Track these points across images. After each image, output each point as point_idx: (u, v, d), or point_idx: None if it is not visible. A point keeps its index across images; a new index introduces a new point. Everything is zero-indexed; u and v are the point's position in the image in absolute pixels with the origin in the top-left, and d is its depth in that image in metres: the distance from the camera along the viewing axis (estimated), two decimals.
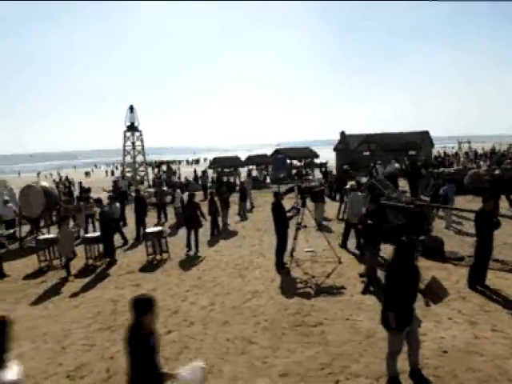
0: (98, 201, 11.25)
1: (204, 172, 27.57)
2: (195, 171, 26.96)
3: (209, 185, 25.02)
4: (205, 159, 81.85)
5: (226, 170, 30.49)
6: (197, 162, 75.63)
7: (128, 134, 25.83)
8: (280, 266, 8.97)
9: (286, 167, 30.20)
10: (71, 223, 11.09)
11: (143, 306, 3.21)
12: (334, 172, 26.54)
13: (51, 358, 5.85)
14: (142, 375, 3.19)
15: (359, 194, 10.40)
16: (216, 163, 28.01)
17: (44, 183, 14.41)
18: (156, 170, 34.88)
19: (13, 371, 2.84)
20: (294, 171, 30.98)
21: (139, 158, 26.75)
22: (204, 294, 7.87)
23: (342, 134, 33.29)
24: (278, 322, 6.34)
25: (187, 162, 77.09)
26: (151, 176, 29.61)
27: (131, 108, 25.46)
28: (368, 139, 32.03)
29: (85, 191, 17.30)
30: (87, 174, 60.12)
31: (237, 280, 8.50)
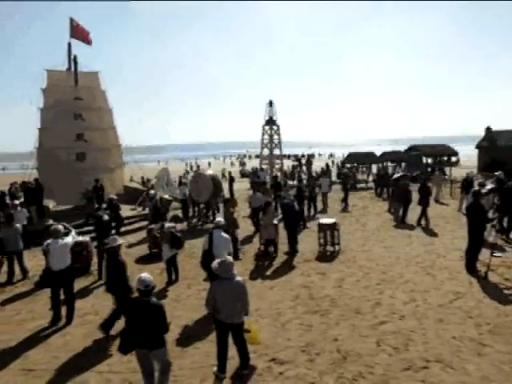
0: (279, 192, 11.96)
1: (328, 166, 28.70)
2: (327, 165, 27.24)
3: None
4: (319, 154, 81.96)
5: (348, 165, 30.11)
6: (312, 156, 75.70)
7: (266, 127, 26.94)
8: (471, 269, 8.51)
9: (420, 165, 28.60)
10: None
11: None
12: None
13: (276, 332, 6.37)
14: None
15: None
16: (351, 158, 27.73)
17: (211, 172, 15.75)
18: (296, 162, 36.12)
19: None
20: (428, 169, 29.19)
21: (274, 151, 27.71)
22: (398, 288, 7.84)
23: (488, 129, 30.31)
24: (504, 328, 6.02)
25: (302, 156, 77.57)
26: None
27: (270, 103, 26.46)
28: None
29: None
30: (209, 164, 64.45)
31: (427, 279, 8.29)
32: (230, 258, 5.17)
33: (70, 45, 17.13)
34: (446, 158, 30.58)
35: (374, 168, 28.04)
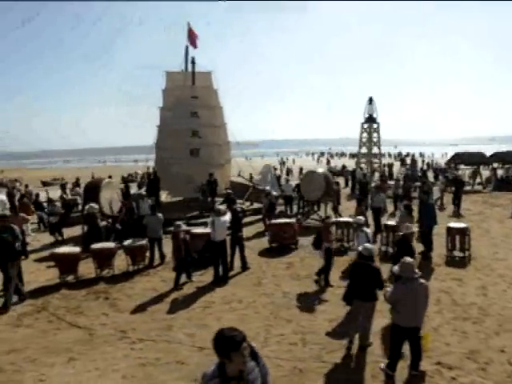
0: None
1: (428, 166, 27.29)
2: (428, 165, 25.97)
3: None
4: (407, 154, 78.01)
5: (444, 166, 28.30)
6: (400, 155, 72.52)
7: (365, 125, 26.41)
8: None
9: None
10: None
11: None
12: None
13: (431, 336, 6.25)
14: None
15: None
16: (457, 159, 26.09)
17: (322, 169, 15.83)
18: (399, 162, 35.11)
19: None
20: None
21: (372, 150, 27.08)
22: None
23: None
24: None
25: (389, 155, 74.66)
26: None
27: (370, 100, 25.87)
28: None
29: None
30: (294, 161, 64.87)
31: None
32: (410, 259, 5.19)
33: (187, 47, 18.24)
34: None
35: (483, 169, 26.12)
